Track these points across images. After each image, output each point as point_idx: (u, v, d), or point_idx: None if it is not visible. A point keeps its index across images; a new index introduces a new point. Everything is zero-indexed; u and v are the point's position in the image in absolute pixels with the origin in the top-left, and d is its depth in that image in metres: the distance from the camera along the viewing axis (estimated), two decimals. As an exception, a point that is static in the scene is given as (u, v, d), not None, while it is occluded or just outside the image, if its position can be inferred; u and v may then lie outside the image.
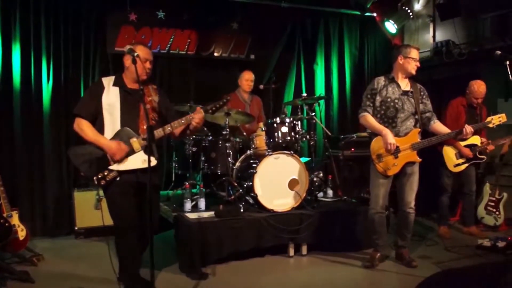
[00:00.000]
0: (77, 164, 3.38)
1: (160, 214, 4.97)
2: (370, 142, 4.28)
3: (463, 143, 5.13)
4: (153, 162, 3.23)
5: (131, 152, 3.38)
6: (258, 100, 6.12)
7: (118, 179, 3.39)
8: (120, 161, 3.36)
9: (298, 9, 6.85)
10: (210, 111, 3.63)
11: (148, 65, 3.50)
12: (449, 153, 5.21)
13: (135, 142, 3.38)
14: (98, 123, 3.45)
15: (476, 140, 5.15)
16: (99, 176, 3.34)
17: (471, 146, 5.16)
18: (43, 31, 5.50)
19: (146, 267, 3.19)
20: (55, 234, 5.50)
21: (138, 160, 3.38)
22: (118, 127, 3.40)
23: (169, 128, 3.45)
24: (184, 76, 6.39)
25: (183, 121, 3.49)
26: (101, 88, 3.47)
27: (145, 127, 3.27)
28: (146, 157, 3.15)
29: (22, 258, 4.43)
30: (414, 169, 4.21)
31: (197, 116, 3.50)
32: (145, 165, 3.11)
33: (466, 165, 5.18)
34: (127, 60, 3.48)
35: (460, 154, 5.17)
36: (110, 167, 3.37)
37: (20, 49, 5.39)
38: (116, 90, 3.47)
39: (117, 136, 3.38)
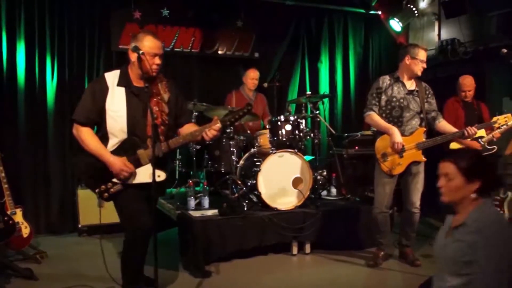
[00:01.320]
0: (79, 174, 3.22)
1: (164, 212, 4.99)
2: (374, 140, 4.26)
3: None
4: (162, 176, 3.10)
5: (138, 164, 3.13)
6: (263, 97, 6.11)
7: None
8: (123, 180, 3.10)
9: (302, 7, 6.83)
10: (228, 122, 3.22)
11: (157, 60, 3.12)
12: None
13: (143, 153, 3.12)
14: (101, 130, 3.17)
15: (481, 132, 5.09)
16: (102, 189, 3.10)
17: (477, 139, 5.09)
18: (48, 28, 5.51)
19: (150, 265, 3.18)
20: (59, 231, 5.53)
21: (146, 174, 3.08)
22: (124, 135, 3.12)
23: (180, 140, 3.20)
24: (188, 73, 6.38)
25: (197, 133, 3.19)
26: (105, 89, 3.12)
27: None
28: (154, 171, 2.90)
29: (25, 255, 4.44)
30: (419, 169, 4.19)
31: (213, 130, 3.16)
32: (152, 180, 2.88)
33: None
34: (132, 54, 3.09)
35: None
36: (114, 180, 3.11)
37: (25, 46, 5.40)
38: (121, 92, 3.13)
39: (122, 147, 3.12)
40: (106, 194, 3.12)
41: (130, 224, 3.19)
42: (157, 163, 2.98)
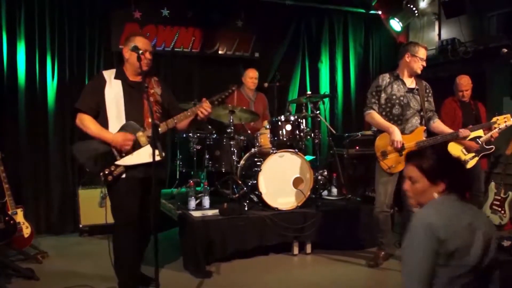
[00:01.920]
0: (82, 161, 3.33)
1: (165, 212, 4.99)
2: (374, 140, 4.26)
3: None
4: (159, 156, 3.22)
5: (138, 146, 3.34)
6: (263, 97, 6.10)
7: (123, 176, 3.32)
8: (129, 152, 3.31)
9: (302, 7, 6.84)
10: (216, 102, 3.56)
11: (148, 55, 3.44)
12: (455, 150, 5.13)
13: (141, 136, 3.34)
14: (101, 118, 3.38)
15: (479, 132, 5.10)
16: (106, 172, 3.28)
17: (475, 139, 5.09)
18: (48, 28, 5.51)
19: (150, 265, 3.19)
20: (60, 231, 5.53)
21: (145, 154, 3.31)
22: (123, 121, 3.34)
23: (174, 121, 3.42)
24: (188, 73, 6.39)
25: (189, 113, 3.46)
26: (103, 81, 3.41)
27: (150, 120, 3.28)
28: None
29: (26, 255, 4.44)
30: (419, 168, 4.18)
31: (203, 108, 3.45)
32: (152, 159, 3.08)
33: (477, 159, 5.08)
34: (127, 52, 3.43)
35: (467, 149, 5.11)
36: (117, 162, 3.31)
37: (25, 47, 5.40)
38: (118, 83, 3.41)
39: (123, 130, 3.33)
40: (110, 176, 3.30)
41: (118, 214, 3.40)
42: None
